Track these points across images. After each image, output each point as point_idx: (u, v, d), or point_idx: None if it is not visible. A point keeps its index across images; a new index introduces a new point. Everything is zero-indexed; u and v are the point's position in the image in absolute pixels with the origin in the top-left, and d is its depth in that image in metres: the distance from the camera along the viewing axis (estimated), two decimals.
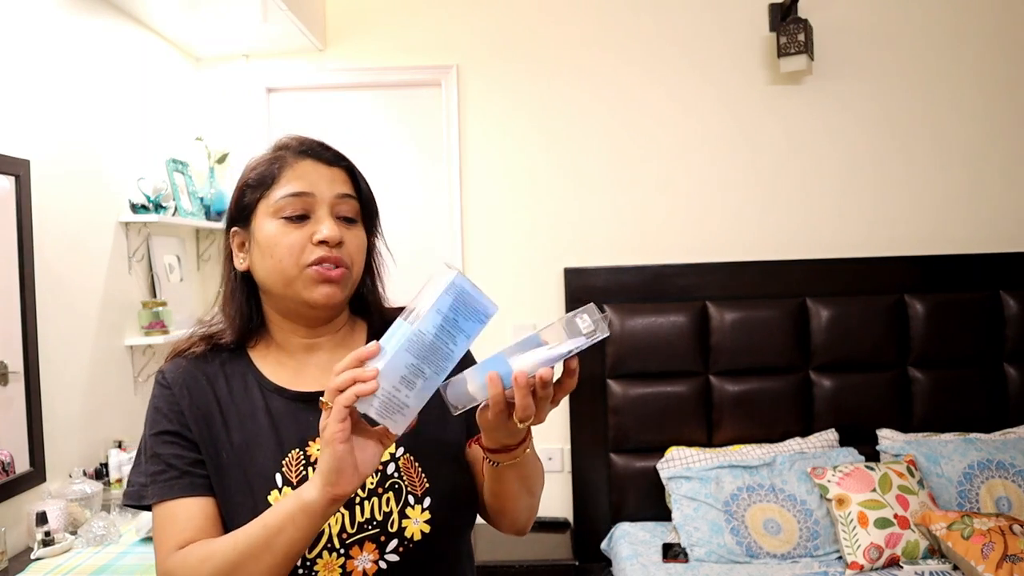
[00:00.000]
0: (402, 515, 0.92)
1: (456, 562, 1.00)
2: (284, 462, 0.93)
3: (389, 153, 3.05)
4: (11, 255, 1.94)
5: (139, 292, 2.56)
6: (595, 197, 2.96)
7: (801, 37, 2.73)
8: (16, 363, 1.94)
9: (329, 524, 0.90)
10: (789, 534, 2.39)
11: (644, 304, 2.83)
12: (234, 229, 1.01)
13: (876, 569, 2.24)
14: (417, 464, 0.96)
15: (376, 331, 0.98)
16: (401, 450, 0.96)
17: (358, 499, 0.92)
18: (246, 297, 1.01)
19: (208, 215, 2.90)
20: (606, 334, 0.77)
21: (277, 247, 0.94)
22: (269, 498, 0.91)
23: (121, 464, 2.23)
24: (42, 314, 2.03)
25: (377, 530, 0.91)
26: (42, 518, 1.85)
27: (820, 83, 2.92)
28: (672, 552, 2.39)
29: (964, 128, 2.93)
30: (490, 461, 0.90)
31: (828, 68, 2.91)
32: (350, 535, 0.91)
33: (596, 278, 2.88)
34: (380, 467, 0.94)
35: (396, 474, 0.95)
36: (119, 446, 2.31)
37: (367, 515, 0.92)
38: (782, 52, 2.76)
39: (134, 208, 2.46)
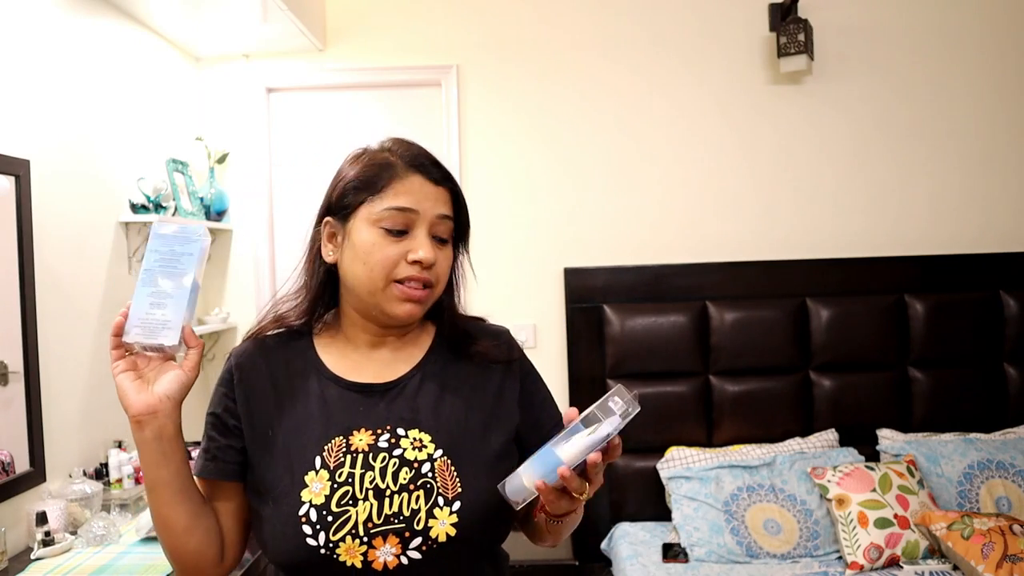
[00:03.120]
0: (429, 515, 0.93)
1: (479, 572, 0.99)
2: (326, 447, 0.96)
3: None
4: (11, 255, 1.94)
5: None
6: (595, 197, 2.96)
7: (801, 37, 2.73)
8: (16, 363, 1.94)
9: (357, 511, 0.92)
10: (789, 534, 2.39)
11: (644, 304, 2.83)
12: (327, 219, 1.03)
13: (876, 569, 2.24)
14: (453, 468, 0.96)
15: (445, 335, 1.06)
16: (440, 452, 0.97)
17: (388, 492, 0.93)
18: (325, 288, 1.05)
19: (208, 215, 2.90)
20: (638, 409, 0.87)
21: (372, 256, 0.97)
22: (306, 478, 0.94)
23: (121, 464, 2.23)
24: (42, 314, 2.03)
25: (402, 525, 0.92)
26: (42, 518, 1.85)
27: (820, 83, 2.92)
28: (672, 552, 2.39)
29: (964, 128, 2.93)
30: (552, 520, 0.98)
31: (828, 68, 2.91)
32: (375, 525, 0.92)
33: (596, 278, 2.88)
34: (415, 465, 0.95)
35: (430, 474, 0.95)
36: (119, 446, 2.31)
37: (395, 509, 0.93)
38: (782, 52, 2.76)
39: (134, 208, 2.46)
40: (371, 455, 0.95)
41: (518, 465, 0.90)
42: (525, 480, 0.86)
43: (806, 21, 2.76)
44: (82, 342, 2.24)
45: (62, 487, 2.04)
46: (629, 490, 2.77)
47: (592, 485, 0.88)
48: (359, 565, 0.90)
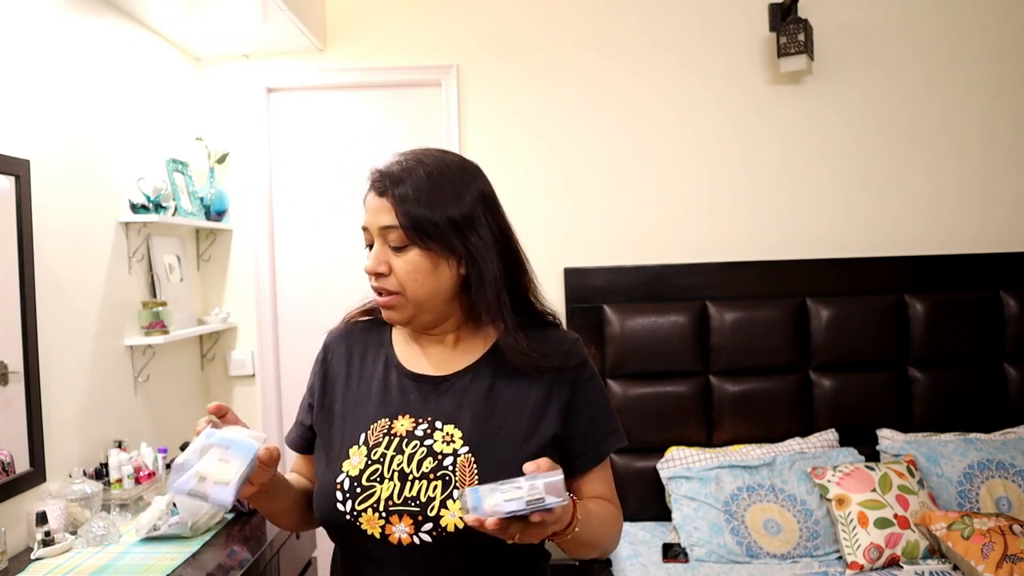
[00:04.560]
0: (443, 504, 0.99)
1: (496, 563, 1.03)
2: (372, 427, 1.06)
3: (389, 153, 3.04)
4: (11, 255, 1.94)
5: (139, 292, 2.56)
6: (595, 197, 2.96)
7: (801, 37, 2.73)
8: (16, 363, 1.94)
9: (381, 488, 1.01)
10: (789, 534, 2.39)
11: (644, 304, 2.83)
12: None
13: (876, 569, 2.24)
14: (475, 464, 1.01)
15: (505, 343, 1.06)
16: (466, 449, 1.02)
17: (411, 477, 1.01)
18: None
19: (208, 215, 2.90)
20: (553, 504, 0.85)
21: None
22: (350, 451, 1.05)
23: (121, 464, 2.22)
24: (42, 314, 2.03)
25: (417, 509, 0.99)
26: (42, 518, 1.85)
27: (820, 83, 2.92)
28: (672, 552, 2.39)
29: (964, 128, 2.93)
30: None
31: (828, 68, 2.91)
32: (394, 504, 1.00)
33: (596, 278, 2.87)
34: (440, 458, 1.02)
35: (451, 468, 1.01)
36: (119, 446, 2.31)
37: (413, 493, 1.00)
38: (782, 52, 2.76)
39: (134, 208, 2.46)
40: (406, 440, 1.04)
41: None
42: (468, 500, 0.87)
43: (806, 21, 2.76)
44: (82, 342, 2.24)
45: (62, 487, 2.04)
46: (629, 490, 2.77)
47: (522, 538, 0.87)
48: (377, 536, 1.00)
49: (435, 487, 0.99)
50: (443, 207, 1.04)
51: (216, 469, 0.92)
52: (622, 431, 1.13)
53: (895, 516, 2.29)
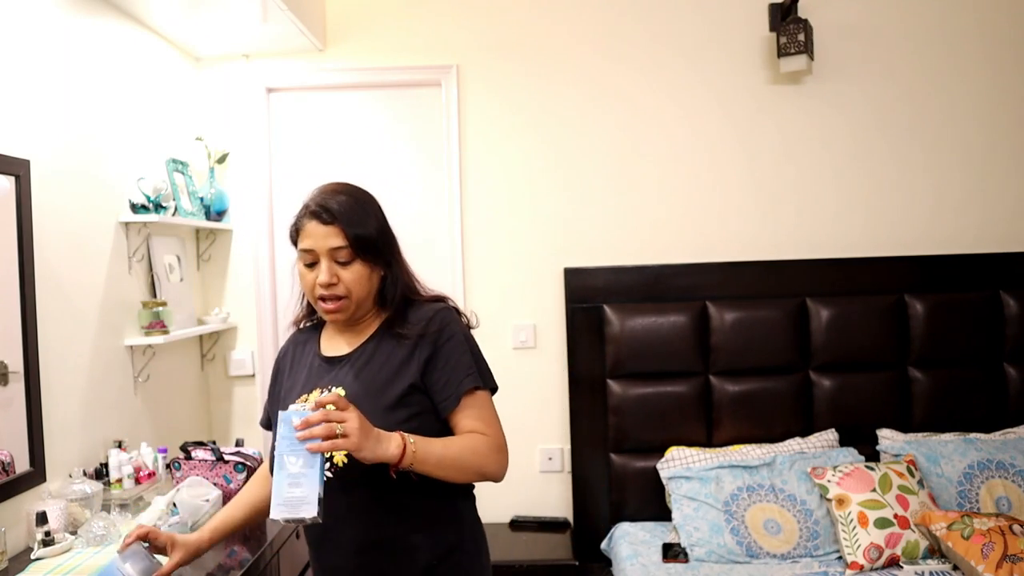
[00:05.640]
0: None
1: (393, 491, 1.29)
2: (298, 399, 1.38)
3: (389, 153, 3.05)
4: (11, 255, 1.94)
5: (139, 292, 2.56)
6: (595, 197, 2.97)
7: (801, 37, 2.73)
8: (16, 363, 1.94)
9: None
10: (789, 534, 2.39)
11: (644, 304, 2.83)
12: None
13: (876, 569, 2.24)
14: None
15: (387, 322, 1.41)
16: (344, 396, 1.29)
17: None
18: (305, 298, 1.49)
19: (208, 215, 2.90)
20: (305, 412, 1.17)
21: (302, 283, 1.40)
22: None
23: (121, 464, 2.23)
24: (42, 314, 2.03)
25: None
26: (42, 518, 1.85)
27: (820, 83, 2.92)
28: (672, 552, 2.39)
29: (964, 128, 2.93)
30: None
31: (828, 68, 2.91)
32: None
33: (596, 278, 2.88)
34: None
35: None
36: (119, 446, 2.31)
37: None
38: (782, 52, 2.76)
39: (134, 208, 2.46)
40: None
41: (418, 412, 1.33)
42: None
43: (806, 21, 2.76)
44: (82, 342, 2.24)
45: (62, 487, 2.04)
46: (629, 490, 2.77)
47: (336, 444, 1.16)
48: None
49: None
50: (370, 227, 1.36)
51: None
52: (479, 375, 1.38)
53: (895, 516, 2.29)
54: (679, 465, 2.63)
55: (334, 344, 1.44)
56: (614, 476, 2.79)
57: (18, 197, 1.95)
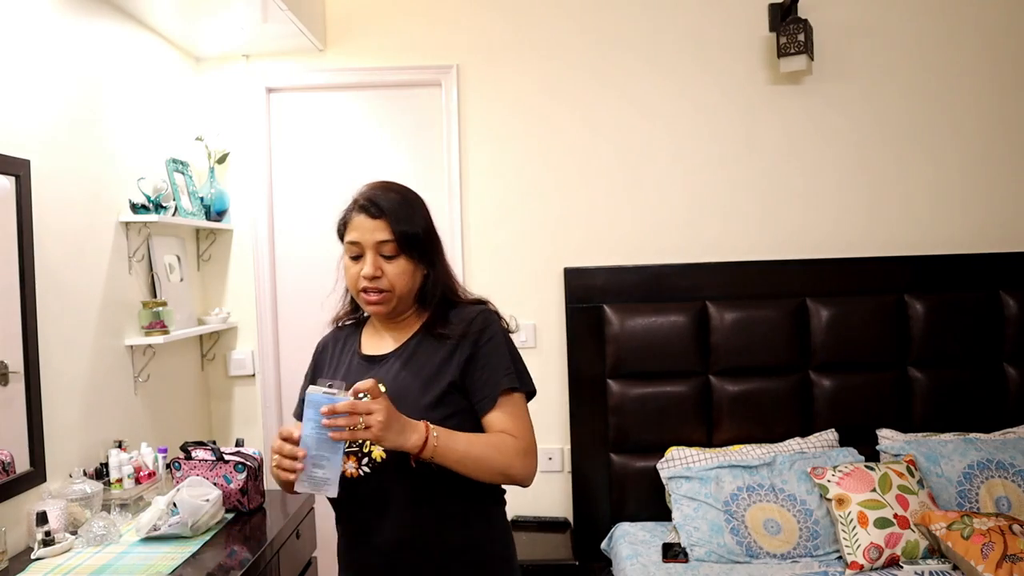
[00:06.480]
0: (372, 443, 1.29)
1: (430, 488, 1.32)
2: (328, 384, 1.36)
3: (389, 153, 3.05)
4: (11, 255, 1.94)
5: (139, 292, 2.56)
6: (595, 197, 2.97)
7: (801, 37, 2.73)
8: (16, 363, 1.94)
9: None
10: (789, 534, 2.39)
11: (644, 304, 2.83)
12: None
13: (876, 569, 2.24)
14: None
15: (428, 323, 1.43)
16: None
17: None
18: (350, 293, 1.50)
19: (208, 215, 2.90)
20: (335, 396, 1.22)
21: (346, 275, 1.44)
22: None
23: (121, 464, 2.23)
24: (42, 314, 2.03)
25: (356, 449, 1.33)
26: (42, 518, 1.85)
27: (820, 83, 2.92)
28: (672, 552, 2.39)
29: (964, 128, 2.93)
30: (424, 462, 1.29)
31: (828, 68, 2.91)
32: (348, 449, 1.32)
33: (596, 278, 2.88)
34: None
35: None
36: (119, 446, 2.31)
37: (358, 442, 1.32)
38: (782, 52, 2.76)
39: (134, 208, 2.46)
40: None
41: (457, 411, 1.35)
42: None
43: (806, 21, 2.76)
44: (82, 342, 2.24)
45: (62, 487, 2.04)
46: (629, 490, 2.77)
47: (358, 433, 1.21)
48: (344, 475, 1.31)
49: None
50: (417, 225, 1.40)
51: None
52: (517, 375, 1.40)
53: (895, 516, 2.29)
54: (679, 465, 2.63)
55: (375, 343, 1.47)
56: (614, 476, 2.79)
57: (18, 197, 1.95)
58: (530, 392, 1.44)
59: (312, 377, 1.51)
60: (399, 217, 1.38)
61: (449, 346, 1.39)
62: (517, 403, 1.40)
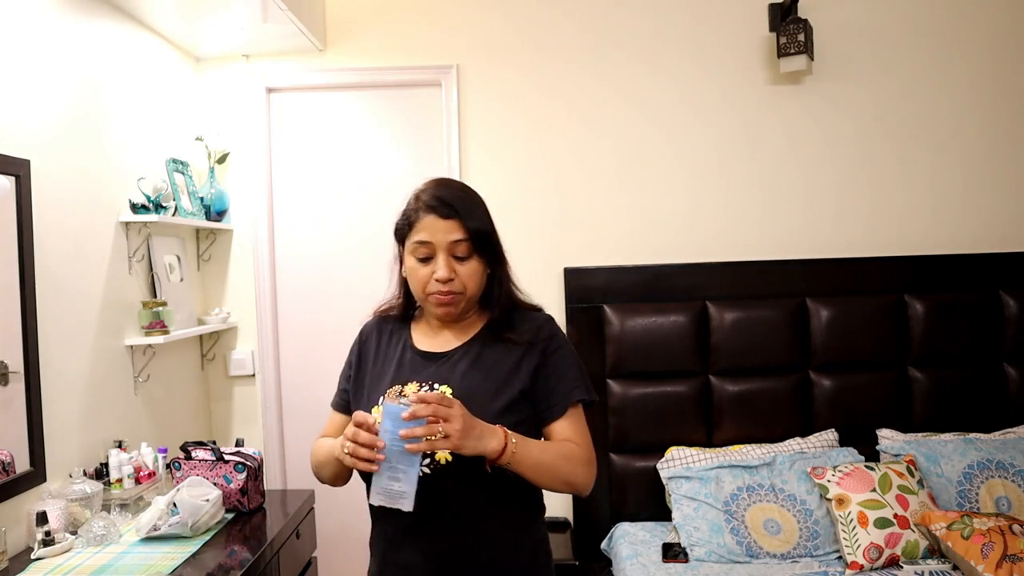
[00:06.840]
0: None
1: (488, 493, 1.30)
2: (388, 391, 1.36)
3: (389, 153, 3.05)
4: (11, 255, 1.94)
5: (139, 292, 2.56)
6: (595, 197, 2.97)
7: (801, 37, 2.73)
8: (16, 363, 1.94)
9: None
10: (789, 534, 2.39)
11: (644, 304, 2.83)
12: (399, 245, 1.41)
13: (876, 569, 2.24)
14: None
15: (492, 325, 1.39)
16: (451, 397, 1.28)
17: None
18: (405, 291, 1.45)
19: (208, 215, 2.90)
20: (404, 404, 1.18)
21: (412, 277, 1.37)
22: (372, 411, 1.33)
23: (121, 464, 2.23)
24: (42, 314, 2.03)
25: None
26: (42, 518, 1.85)
27: (820, 83, 2.92)
28: (672, 552, 2.39)
29: (964, 128, 2.93)
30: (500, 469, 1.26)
31: (828, 68, 2.91)
32: None
33: (596, 278, 2.88)
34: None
35: None
36: (119, 446, 2.31)
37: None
38: (782, 52, 2.76)
39: (134, 208, 2.46)
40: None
41: (524, 418, 1.32)
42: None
43: (806, 21, 2.76)
44: (82, 342, 2.24)
45: (62, 487, 2.04)
46: (629, 490, 2.77)
47: (436, 444, 1.17)
48: None
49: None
50: (487, 222, 1.37)
51: None
52: (585, 387, 1.38)
53: (895, 516, 2.29)
54: (679, 465, 2.63)
55: (431, 339, 1.42)
56: (614, 476, 2.79)
57: (18, 197, 1.95)
58: (594, 402, 1.41)
59: (356, 365, 1.46)
60: (471, 215, 1.34)
61: (517, 352, 1.36)
62: (580, 413, 1.39)
